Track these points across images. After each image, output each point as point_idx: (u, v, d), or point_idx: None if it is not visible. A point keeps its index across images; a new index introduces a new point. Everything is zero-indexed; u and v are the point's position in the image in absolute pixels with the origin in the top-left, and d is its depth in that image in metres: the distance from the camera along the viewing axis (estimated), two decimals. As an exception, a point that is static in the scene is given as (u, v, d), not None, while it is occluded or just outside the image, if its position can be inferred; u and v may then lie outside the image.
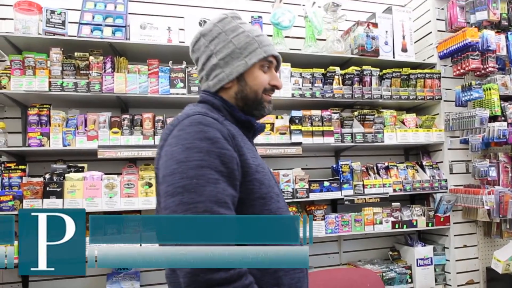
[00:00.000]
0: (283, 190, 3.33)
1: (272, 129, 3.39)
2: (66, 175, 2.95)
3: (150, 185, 3.11)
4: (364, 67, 3.65)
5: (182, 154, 1.21)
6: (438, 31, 3.90)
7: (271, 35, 3.56)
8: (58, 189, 2.88)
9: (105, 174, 3.05)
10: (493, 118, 3.72)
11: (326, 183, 3.42)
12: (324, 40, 3.70)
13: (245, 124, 1.48)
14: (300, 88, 3.44)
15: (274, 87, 1.52)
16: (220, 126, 1.29)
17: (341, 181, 3.48)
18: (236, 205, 1.27)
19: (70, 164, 3.09)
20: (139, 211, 3.15)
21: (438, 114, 3.89)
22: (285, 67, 3.44)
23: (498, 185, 3.74)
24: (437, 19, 3.90)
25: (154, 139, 3.14)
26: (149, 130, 3.15)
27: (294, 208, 3.41)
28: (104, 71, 3.08)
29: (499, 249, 3.68)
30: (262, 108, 1.50)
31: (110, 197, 2.98)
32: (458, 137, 3.83)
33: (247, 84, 1.46)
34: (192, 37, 1.55)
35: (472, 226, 3.85)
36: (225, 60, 1.45)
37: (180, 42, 3.28)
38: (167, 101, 3.29)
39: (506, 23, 3.88)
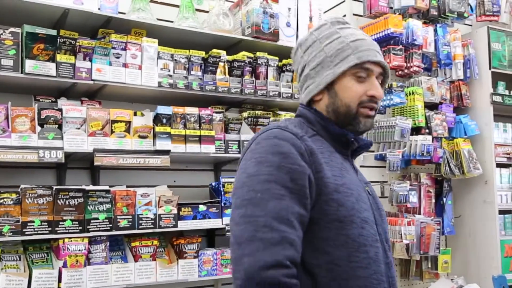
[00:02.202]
0: (140, 216, 2.64)
1: (127, 130, 2.68)
2: None
3: None
4: (258, 53, 3.08)
5: (254, 168, 1.29)
6: (354, 15, 3.46)
7: (130, -2, 2.82)
8: None
9: None
10: (415, 130, 3.34)
11: (202, 207, 2.89)
12: (207, 12, 3.03)
13: (340, 139, 1.46)
14: (170, 76, 2.80)
15: (373, 98, 1.43)
16: (297, 141, 1.32)
17: (223, 204, 2.95)
18: (308, 224, 1.29)
19: None
20: None
21: (350, 121, 3.36)
22: (150, 44, 2.76)
23: (419, 213, 3.36)
24: (354, 0, 3.45)
25: None
26: None
27: (155, 242, 2.75)
28: None
29: (418, 294, 3.24)
30: (356, 123, 1.44)
31: None
32: (373, 151, 3.39)
33: (338, 96, 1.44)
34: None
35: (387, 265, 3.34)
36: (316, 70, 1.46)
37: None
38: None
39: (436, 13, 3.49)
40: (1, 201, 2.31)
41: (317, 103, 1.49)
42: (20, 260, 2.38)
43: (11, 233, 2.28)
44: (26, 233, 2.32)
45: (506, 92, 3.71)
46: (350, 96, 1.42)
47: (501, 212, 3.54)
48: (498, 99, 3.61)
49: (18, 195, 2.35)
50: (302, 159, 1.29)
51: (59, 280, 2.35)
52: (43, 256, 2.46)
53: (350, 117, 1.43)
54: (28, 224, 2.32)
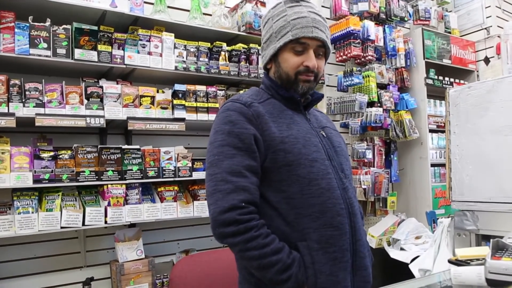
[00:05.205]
0: (164, 168, 2.65)
1: (152, 103, 2.69)
2: None
3: (1, 160, 2.20)
4: (251, 45, 3.06)
5: (213, 137, 1.32)
6: (323, 17, 3.38)
7: (152, 3, 2.80)
8: None
9: None
10: (370, 104, 3.36)
11: (210, 162, 2.78)
12: (210, 15, 3.04)
13: (289, 99, 1.42)
14: (184, 61, 2.77)
15: (308, 68, 1.36)
16: (244, 110, 1.32)
17: (226, 160, 2.85)
18: (266, 172, 1.29)
19: None
20: (-14, 191, 2.23)
21: (321, 97, 3.40)
22: (168, 37, 2.75)
23: (374, 166, 3.41)
24: (322, 6, 3.44)
25: (8, 106, 2.25)
26: (1, 96, 2.24)
27: (176, 188, 2.75)
28: None
29: (372, 226, 3.30)
30: (296, 87, 1.39)
31: None
32: (339, 120, 3.43)
33: (280, 66, 1.40)
34: None
35: (349, 205, 3.40)
36: (266, 43, 1.43)
37: (44, -4, 2.38)
38: (26, 63, 2.41)
39: (384, 17, 3.54)
40: (60, 156, 2.32)
41: (270, 70, 1.46)
42: (76, 200, 2.42)
43: (68, 180, 2.31)
44: (79, 180, 2.34)
45: (436, 77, 3.78)
46: (288, 66, 1.38)
47: (432, 165, 3.61)
48: (430, 82, 3.68)
49: (72, 151, 2.36)
50: (248, 123, 1.29)
51: (105, 215, 2.39)
52: (93, 198, 2.49)
53: (291, 82, 1.39)
54: (81, 173, 2.35)
